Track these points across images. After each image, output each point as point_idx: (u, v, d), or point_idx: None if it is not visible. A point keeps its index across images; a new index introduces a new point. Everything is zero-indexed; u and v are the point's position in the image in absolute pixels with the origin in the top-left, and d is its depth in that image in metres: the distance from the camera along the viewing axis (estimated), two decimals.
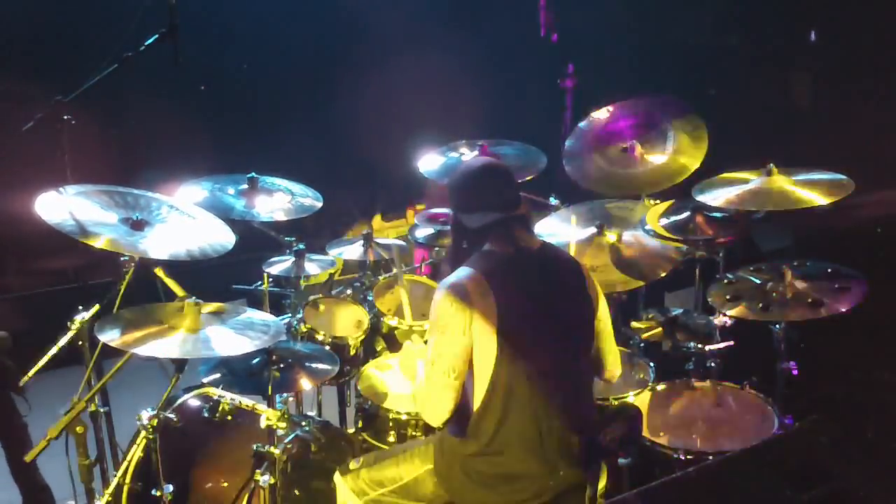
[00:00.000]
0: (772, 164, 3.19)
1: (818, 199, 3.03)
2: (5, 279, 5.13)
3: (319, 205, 3.68)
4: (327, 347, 3.38)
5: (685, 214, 3.41)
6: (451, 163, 4.05)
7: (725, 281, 3.16)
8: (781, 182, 3.15)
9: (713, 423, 2.98)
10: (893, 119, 4.73)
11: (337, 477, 2.73)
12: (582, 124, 3.96)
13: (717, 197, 3.18)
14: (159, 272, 3.15)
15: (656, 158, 3.73)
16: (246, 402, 2.89)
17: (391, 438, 3.07)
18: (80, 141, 3.25)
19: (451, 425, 2.51)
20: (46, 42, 4.73)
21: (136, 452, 2.82)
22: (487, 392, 2.38)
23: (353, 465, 2.70)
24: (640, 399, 3.10)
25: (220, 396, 2.93)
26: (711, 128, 3.69)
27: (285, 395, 3.18)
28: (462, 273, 2.41)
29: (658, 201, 3.64)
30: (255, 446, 2.77)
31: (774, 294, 2.96)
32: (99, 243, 2.62)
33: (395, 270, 3.71)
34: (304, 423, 3.11)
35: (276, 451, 2.76)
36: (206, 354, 2.59)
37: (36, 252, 4.81)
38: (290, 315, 3.77)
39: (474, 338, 2.35)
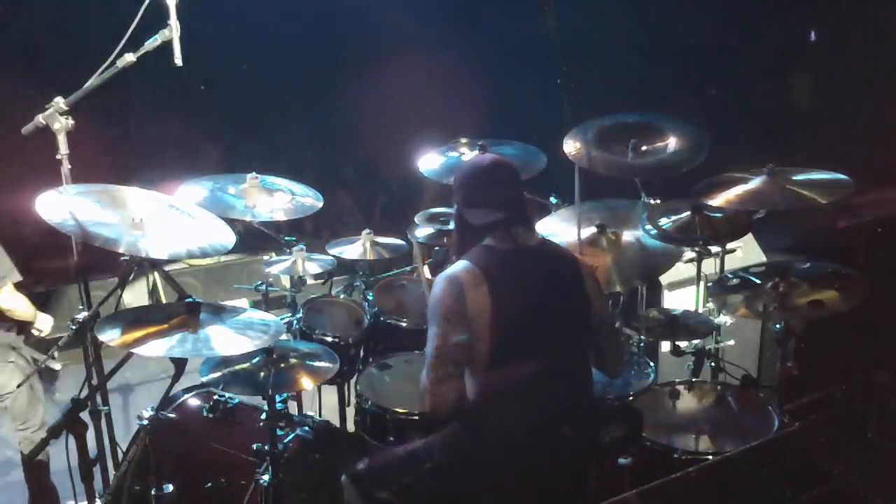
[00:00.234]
0: (772, 164, 3.20)
1: (818, 199, 3.03)
2: None
3: (320, 205, 3.67)
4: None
5: (685, 214, 3.41)
6: (451, 162, 4.04)
7: (725, 281, 3.16)
8: (781, 182, 3.15)
9: (713, 423, 2.97)
10: (893, 119, 4.73)
11: (344, 478, 2.73)
12: (582, 124, 3.94)
13: (717, 197, 3.18)
14: (159, 272, 3.15)
15: (657, 152, 3.70)
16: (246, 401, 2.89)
17: (391, 438, 3.07)
18: (80, 141, 3.25)
19: (451, 417, 2.51)
20: (46, 42, 4.73)
21: (136, 452, 2.81)
22: (484, 384, 2.39)
23: (359, 466, 2.71)
24: (641, 399, 3.10)
25: (220, 396, 2.92)
26: (711, 128, 3.68)
27: (285, 395, 3.17)
28: (458, 266, 2.44)
29: (658, 201, 3.63)
30: (254, 446, 2.77)
31: (774, 294, 2.96)
32: (99, 243, 2.62)
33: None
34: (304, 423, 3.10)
35: (276, 451, 2.75)
36: (207, 354, 2.59)
37: (36, 252, 4.80)
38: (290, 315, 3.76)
39: (470, 329, 2.37)
